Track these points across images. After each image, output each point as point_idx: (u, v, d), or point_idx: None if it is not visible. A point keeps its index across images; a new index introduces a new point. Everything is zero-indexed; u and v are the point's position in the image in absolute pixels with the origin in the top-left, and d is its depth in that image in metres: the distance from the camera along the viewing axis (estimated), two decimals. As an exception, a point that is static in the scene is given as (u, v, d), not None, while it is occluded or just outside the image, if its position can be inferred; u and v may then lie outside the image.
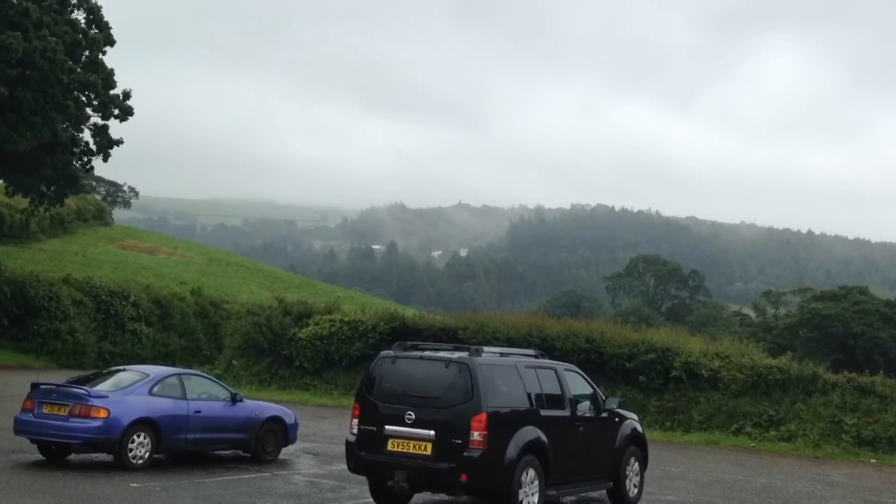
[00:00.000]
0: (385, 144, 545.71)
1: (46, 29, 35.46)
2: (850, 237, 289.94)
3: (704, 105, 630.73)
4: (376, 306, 42.94)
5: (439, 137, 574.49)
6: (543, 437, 12.41)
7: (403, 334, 28.53)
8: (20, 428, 15.34)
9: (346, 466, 12.95)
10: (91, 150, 39.90)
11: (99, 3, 39.20)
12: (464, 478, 11.65)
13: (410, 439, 11.94)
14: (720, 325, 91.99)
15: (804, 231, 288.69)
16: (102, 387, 15.51)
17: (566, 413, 13.33)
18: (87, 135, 39.89)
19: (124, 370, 16.70)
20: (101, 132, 39.52)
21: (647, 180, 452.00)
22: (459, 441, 11.66)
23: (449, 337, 28.53)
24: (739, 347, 27.84)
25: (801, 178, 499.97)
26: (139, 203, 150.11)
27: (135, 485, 13.74)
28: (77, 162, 40.32)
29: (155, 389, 15.63)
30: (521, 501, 12.05)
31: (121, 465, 14.88)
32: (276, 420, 17.45)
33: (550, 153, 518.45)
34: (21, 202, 48.58)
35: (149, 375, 15.97)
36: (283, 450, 17.70)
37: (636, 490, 14.72)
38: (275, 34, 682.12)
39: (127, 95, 39.83)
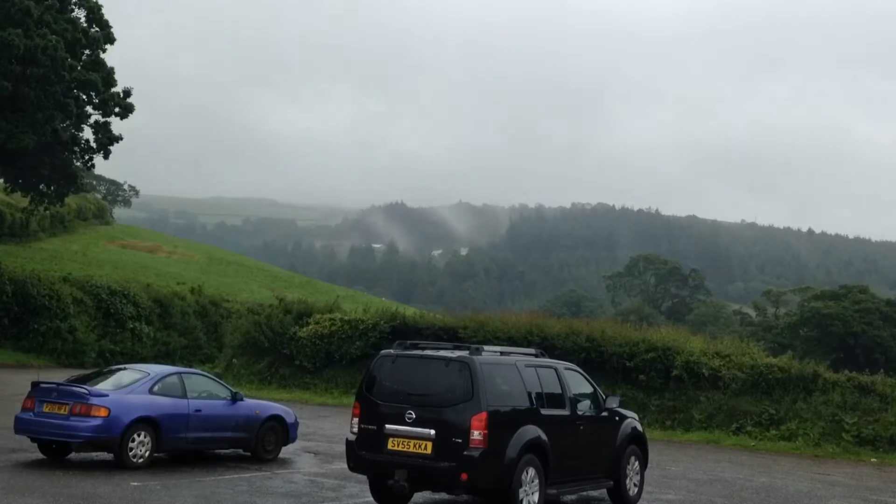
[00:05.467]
0: (386, 143, 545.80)
1: (47, 27, 35.50)
2: (851, 236, 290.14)
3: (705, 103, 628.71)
4: (376, 305, 42.93)
5: (439, 135, 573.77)
6: (544, 436, 12.41)
7: (404, 333, 28.55)
8: (20, 427, 15.34)
9: (346, 465, 12.94)
10: (92, 147, 39.92)
11: (99, 2, 39.25)
12: (464, 477, 11.64)
13: (411, 438, 11.94)
14: (720, 324, 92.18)
15: (804, 230, 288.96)
16: (103, 386, 15.51)
17: (566, 412, 13.33)
18: (87, 132, 39.95)
19: (125, 369, 16.69)
20: (102, 128, 39.56)
21: (647, 179, 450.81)
22: (460, 440, 11.65)
23: (449, 336, 28.54)
24: (740, 346, 27.84)
25: (801, 176, 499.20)
26: (139, 202, 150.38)
27: (135, 483, 13.75)
28: (78, 160, 40.34)
29: (155, 388, 15.63)
30: (522, 500, 12.04)
31: (121, 463, 14.88)
32: (277, 419, 17.45)
33: (552, 151, 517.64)
34: (21, 201, 48.59)
35: (149, 374, 15.97)
36: (284, 449, 17.70)
37: (636, 489, 14.72)
38: (264, 30, 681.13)
39: (127, 93, 39.89)
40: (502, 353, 13.43)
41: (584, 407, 13.88)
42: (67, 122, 38.13)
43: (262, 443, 17.11)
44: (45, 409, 15.02)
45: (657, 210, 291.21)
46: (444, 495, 13.64)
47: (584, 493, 14.80)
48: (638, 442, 14.85)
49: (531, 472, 12.20)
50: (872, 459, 22.80)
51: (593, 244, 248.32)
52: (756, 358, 26.64)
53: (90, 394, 14.93)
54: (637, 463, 14.76)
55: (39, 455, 15.70)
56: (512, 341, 27.01)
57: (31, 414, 15.18)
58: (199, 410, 16.03)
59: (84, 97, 38.78)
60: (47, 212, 49.41)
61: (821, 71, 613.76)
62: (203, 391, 16.54)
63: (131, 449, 14.96)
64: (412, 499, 13.15)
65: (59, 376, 20.84)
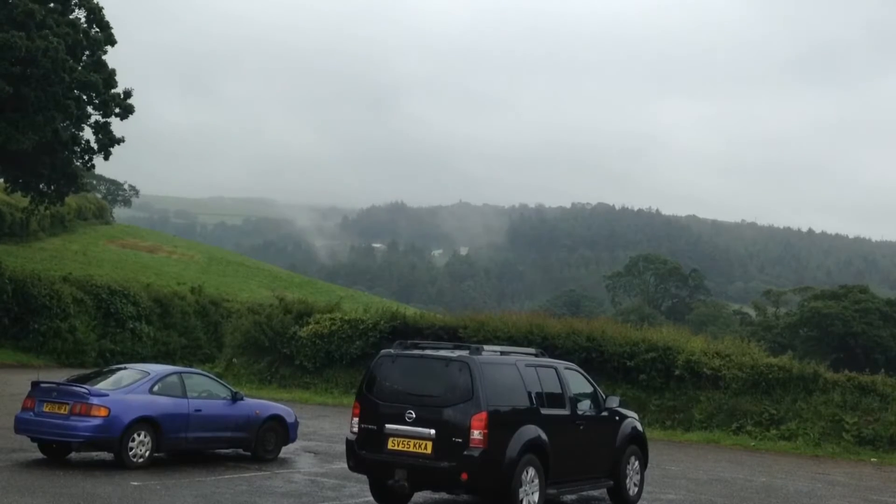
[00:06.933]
0: (386, 143, 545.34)
1: (49, 30, 35.53)
2: (851, 236, 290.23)
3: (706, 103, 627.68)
4: (377, 305, 42.92)
5: (440, 135, 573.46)
6: (544, 436, 12.41)
7: (404, 333, 28.58)
8: (21, 427, 15.34)
9: (346, 465, 12.95)
10: (92, 148, 39.96)
11: (100, 3, 39.27)
12: (464, 477, 11.64)
13: (411, 438, 11.94)
14: (721, 324, 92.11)
15: (804, 230, 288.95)
16: (103, 385, 15.51)
17: (566, 412, 13.33)
18: (88, 133, 39.99)
19: (125, 369, 16.69)
20: (102, 129, 39.58)
21: (647, 179, 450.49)
22: (460, 440, 11.65)
23: (449, 336, 28.57)
24: (740, 346, 27.84)
25: (798, 176, 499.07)
26: (139, 202, 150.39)
27: (135, 483, 13.75)
28: (78, 160, 40.36)
29: (155, 388, 15.63)
30: (522, 500, 12.04)
31: (121, 463, 14.88)
32: (277, 419, 17.45)
33: (550, 151, 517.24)
34: (22, 201, 48.63)
35: (149, 374, 15.96)
36: (284, 448, 17.70)
37: (636, 489, 14.72)
38: (264, 35, 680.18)
39: (128, 94, 39.91)
40: (502, 353, 13.43)
41: (585, 407, 13.88)
42: (67, 123, 38.16)
43: (262, 443, 17.11)
44: (46, 408, 15.02)
45: (657, 210, 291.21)
46: (444, 495, 13.64)
47: (584, 492, 14.81)
48: (638, 442, 14.84)
49: (531, 471, 12.20)
50: (872, 459, 22.80)
51: (593, 244, 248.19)
52: (756, 358, 26.64)
53: (90, 393, 14.93)
54: (637, 463, 14.75)
55: (39, 455, 15.70)
56: (512, 341, 27.02)
57: (31, 414, 15.18)
58: (200, 410, 16.02)
59: (84, 98, 38.81)
60: (47, 212, 49.43)
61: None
62: (203, 391, 16.54)
63: (131, 449, 14.96)
64: (412, 499, 13.15)
65: (59, 376, 20.84)
